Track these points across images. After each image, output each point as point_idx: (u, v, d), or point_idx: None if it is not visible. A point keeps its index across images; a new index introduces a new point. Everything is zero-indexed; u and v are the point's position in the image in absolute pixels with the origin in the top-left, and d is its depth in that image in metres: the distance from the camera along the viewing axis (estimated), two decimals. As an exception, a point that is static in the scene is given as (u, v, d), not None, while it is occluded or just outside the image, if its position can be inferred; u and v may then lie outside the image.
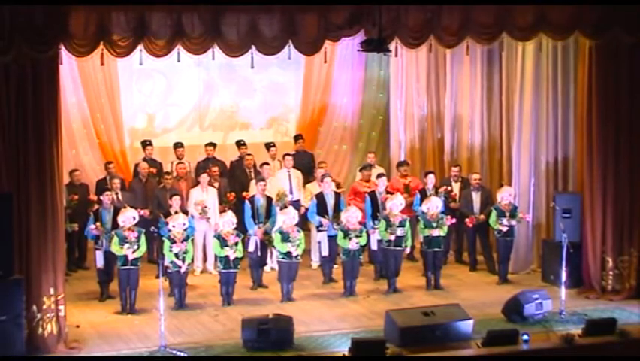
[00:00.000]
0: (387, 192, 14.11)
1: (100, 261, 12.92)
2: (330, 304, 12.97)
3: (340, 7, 11.96)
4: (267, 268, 14.11)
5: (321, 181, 14.18)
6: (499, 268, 14.10)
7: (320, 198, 13.94)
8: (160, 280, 11.40)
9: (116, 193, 13.73)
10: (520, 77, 14.24)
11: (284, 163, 15.14)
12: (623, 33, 12.77)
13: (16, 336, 10.50)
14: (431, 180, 14.64)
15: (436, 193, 14.34)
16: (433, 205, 13.67)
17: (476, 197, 14.49)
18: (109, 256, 12.78)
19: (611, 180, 13.11)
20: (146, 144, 15.46)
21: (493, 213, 13.89)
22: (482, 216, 14.31)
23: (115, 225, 12.69)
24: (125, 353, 10.98)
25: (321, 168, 15.09)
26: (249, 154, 15.56)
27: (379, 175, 14.63)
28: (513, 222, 13.81)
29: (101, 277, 13.07)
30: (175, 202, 13.25)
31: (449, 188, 14.75)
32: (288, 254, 12.94)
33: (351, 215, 13.23)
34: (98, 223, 12.84)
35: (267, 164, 14.84)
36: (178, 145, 15.57)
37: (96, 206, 13.45)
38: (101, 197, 13.23)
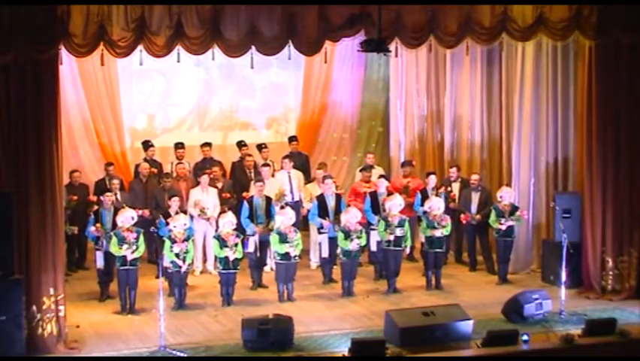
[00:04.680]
0: (388, 193, 14.13)
1: (100, 261, 12.92)
2: (330, 304, 12.97)
3: (340, 7, 11.97)
4: (266, 269, 14.11)
5: (322, 183, 14.17)
6: (498, 268, 14.10)
7: (321, 199, 13.93)
8: (160, 280, 11.39)
9: (115, 194, 13.72)
10: (520, 77, 14.25)
11: (283, 165, 15.12)
12: (622, 33, 12.78)
13: (16, 336, 10.49)
14: (432, 180, 14.64)
15: (437, 194, 14.35)
16: (435, 206, 13.67)
17: (475, 197, 14.50)
18: (109, 257, 12.78)
19: (610, 180, 13.11)
20: (147, 145, 15.43)
21: (493, 213, 13.91)
22: (478, 217, 14.32)
23: (115, 225, 12.69)
24: (125, 353, 10.97)
25: (321, 169, 15.08)
26: (249, 155, 15.55)
27: (381, 176, 14.64)
28: (510, 222, 13.80)
29: (101, 278, 13.08)
30: (174, 203, 13.24)
31: (449, 188, 14.77)
32: (286, 255, 12.94)
33: (351, 216, 13.23)
34: (98, 225, 12.84)
35: (268, 165, 14.83)
36: (178, 145, 15.56)
37: (96, 207, 13.44)
38: (102, 198, 13.24)
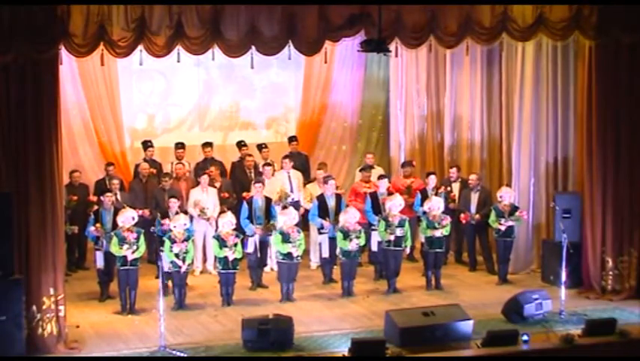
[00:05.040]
0: (389, 193, 14.13)
1: (100, 261, 12.92)
2: (330, 304, 12.97)
3: (340, 7, 11.97)
4: (266, 269, 14.12)
5: (325, 183, 14.14)
6: (498, 268, 14.10)
7: (321, 200, 13.93)
8: (160, 280, 11.39)
9: (115, 194, 13.72)
10: (520, 77, 14.24)
11: (283, 165, 15.12)
12: (622, 33, 12.77)
13: (16, 336, 10.49)
14: (432, 180, 14.65)
15: (437, 194, 14.34)
16: (435, 206, 13.68)
17: (474, 197, 14.49)
18: (109, 257, 12.78)
19: (610, 180, 13.11)
20: (147, 145, 15.43)
21: (493, 213, 13.90)
22: (478, 216, 14.31)
23: (115, 226, 12.70)
24: (125, 353, 10.98)
25: (321, 169, 15.07)
26: (249, 155, 15.55)
27: (381, 176, 14.64)
28: (510, 223, 13.79)
29: (101, 278, 13.08)
30: (173, 204, 13.21)
31: (448, 188, 14.77)
32: (289, 255, 12.94)
33: (350, 216, 13.23)
34: (98, 225, 12.84)
35: (270, 164, 14.82)
36: (178, 145, 15.55)
37: (96, 207, 13.44)
38: (102, 198, 13.24)
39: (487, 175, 15.54)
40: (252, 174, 15.16)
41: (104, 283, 13.09)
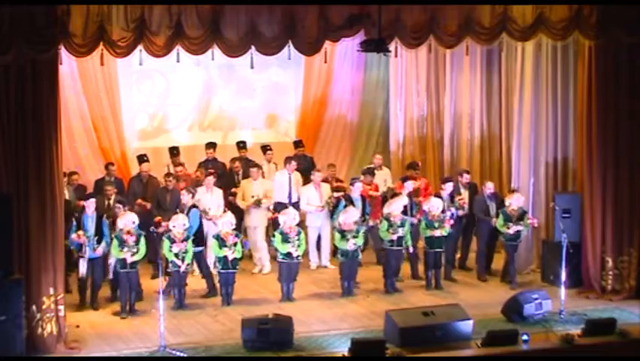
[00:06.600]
0: (392, 195, 14.19)
1: (83, 269, 12.60)
2: (330, 304, 12.97)
3: (340, 7, 11.97)
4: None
5: (352, 185, 14.18)
6: (508, 270, 13.87)
7: (348, 201, 13.91)
8: (160, 279, 11.39)
9: (108, 199, 13.63)
10: (520, 77, 14.25)
11: (287, 166, 15.11)
12: (622, 33, 12.78)
13: (16, 336, 10.50)
14: (449, 188, 14.28)
15: (452, 201, 14.15)
16: (434, 206, 13.67)
17: (492, 205, 14.16)
18: (93, 264, 12.60)
19: (610, 180, 13.12)
20: (143, 159, 14.99)
21: (500, 217, 13.73)
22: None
23: (98, 231, 12.54)
24: (125, 353, 10.99)
25: (319, 171, 15.01)
26: (236, 159, 15.49)
27: (406, 178, 14.57)
28: (519, 227, 13.69)
29: (83, 285, 12.74)
30: (118, 210, 12.96)
31: (461, 197, 14.49)
32: (289, 255, 12.96)
33: (349, 216, 13.23)
34: (80, 232, 12.53)
35: (257, 166, 14.79)
36: (174, 151, 15.45)
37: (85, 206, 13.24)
38: (84, 203, 12.81)
39: (486, 175, 15.53)
40: (240, 177, 15.15)
41: (88, 290, 12.72)
